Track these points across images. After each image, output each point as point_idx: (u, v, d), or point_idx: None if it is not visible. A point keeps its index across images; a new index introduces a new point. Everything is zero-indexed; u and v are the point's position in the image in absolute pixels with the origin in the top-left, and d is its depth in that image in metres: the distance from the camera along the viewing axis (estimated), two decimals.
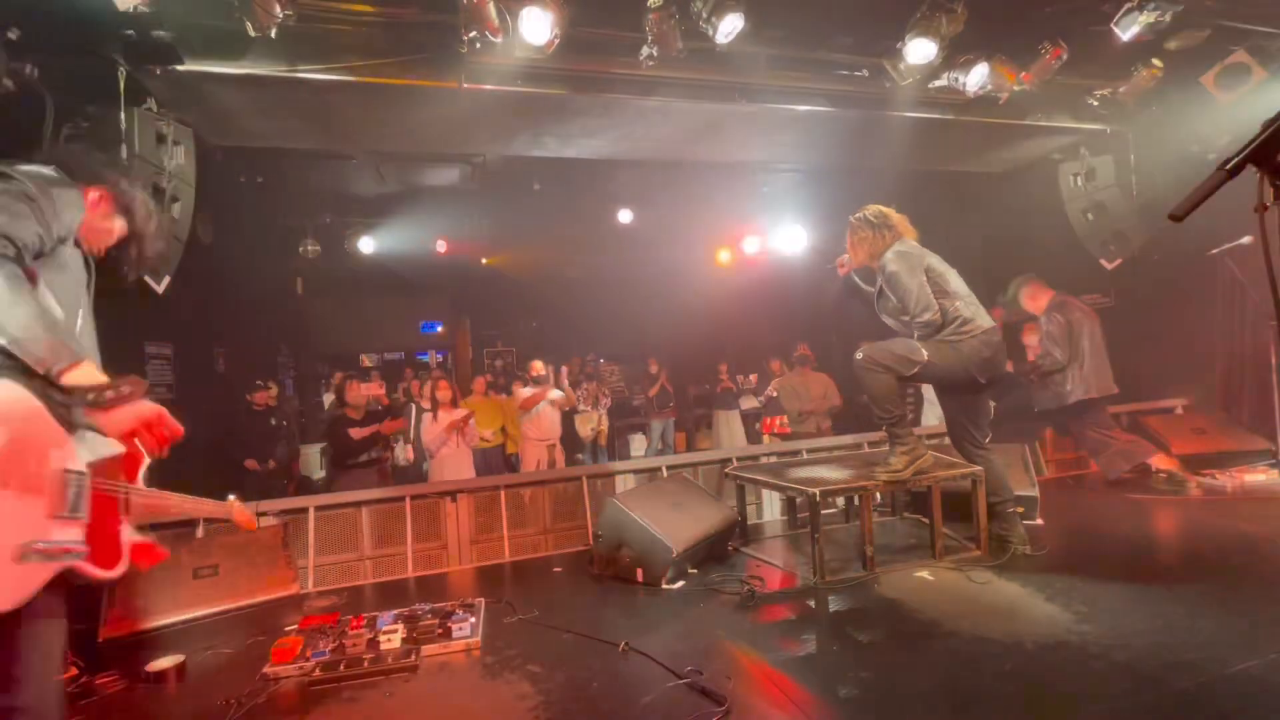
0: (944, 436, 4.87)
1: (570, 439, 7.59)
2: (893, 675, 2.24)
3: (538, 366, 6.48)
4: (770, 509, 4.64)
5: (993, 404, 3.96)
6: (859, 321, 6.48)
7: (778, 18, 3.84)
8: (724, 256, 8.79)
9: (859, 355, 3.31)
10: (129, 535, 1.70)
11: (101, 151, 3.35)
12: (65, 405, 1.48)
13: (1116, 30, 3.91)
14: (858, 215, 3.52)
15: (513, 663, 2.51)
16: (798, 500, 4.08)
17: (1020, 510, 3.54)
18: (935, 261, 3.39)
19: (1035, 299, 4.83)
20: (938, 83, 4.35)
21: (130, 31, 3.25)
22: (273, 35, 3.24)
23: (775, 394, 6.94)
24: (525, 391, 6.46)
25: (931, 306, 3.26)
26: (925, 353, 3.25)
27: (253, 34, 3.20)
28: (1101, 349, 4.64)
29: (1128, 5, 3.83)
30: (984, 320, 3.32)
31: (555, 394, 6.43)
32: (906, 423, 3.45)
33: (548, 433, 6.43)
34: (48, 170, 1.66)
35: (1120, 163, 5.30)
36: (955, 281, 3.37)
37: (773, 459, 4.76)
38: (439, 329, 11.86)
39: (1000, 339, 3.34)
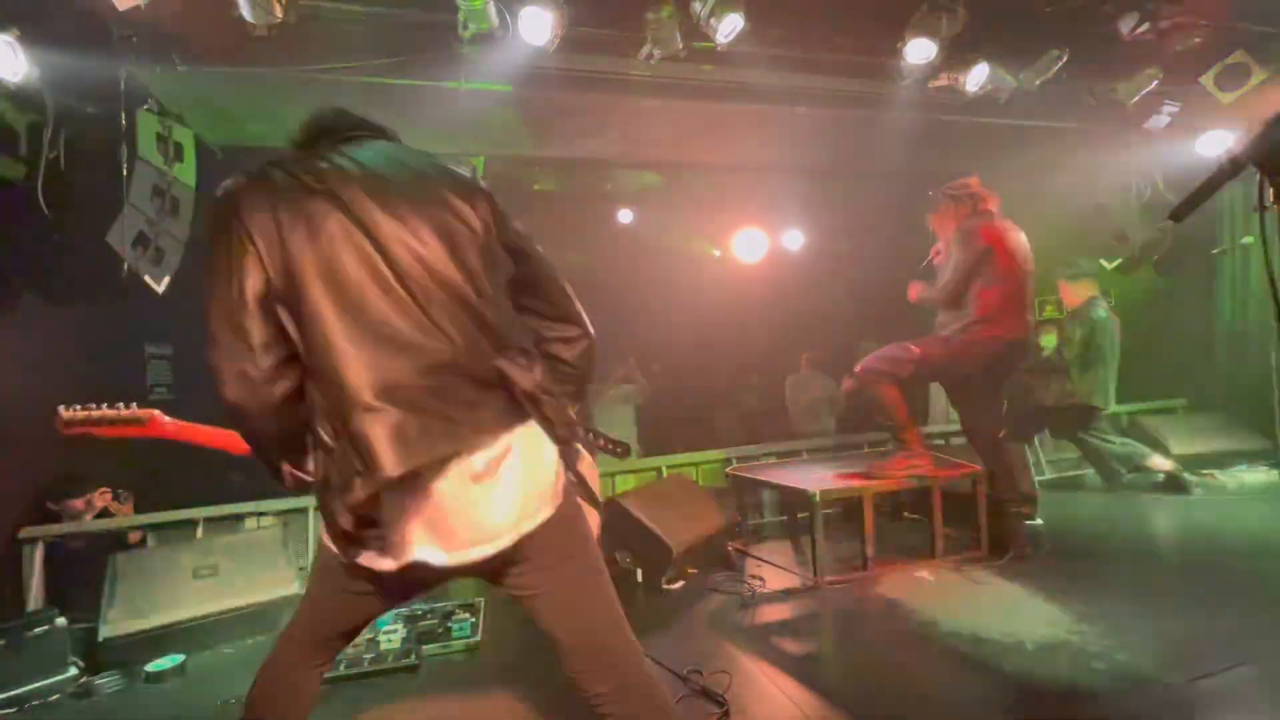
0: (947, 437, 4.89)
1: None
2: (893, 675, 2.25)
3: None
4: (770, 509, 4.63)
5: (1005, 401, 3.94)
6: (857, 321, 6.51)
7: (778, 18, 3.84)
8: (720, 256, 8.75)
9: (857, 369, 3.38)
10: None
11: (101, 152, 3.37)
12: None
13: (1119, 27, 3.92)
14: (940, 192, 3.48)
15: (513, 662, 2.51)
16: (798, 500, 4.08)
17: (1026, 511, 3.53)
18: (1001, 246, 3.24)
19: (1074, 293, 4.58)
20: (938, 83, 4.34)
21: (130, 32, 3.25)
22: (273, 35, 3.24)
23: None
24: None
25: (950, 291, 3.25)
26: (917, 350, 3.26)
27: (253, 34, 3.20)
28: (1116, 359, 4.46)
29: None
30: (1010, 331, 3.21)
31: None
32: (913, 429, 3.45)
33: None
34: None
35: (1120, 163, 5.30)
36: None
37: (773, 459, 4.76)
38: None
39: (1015, 351, 3.31)
